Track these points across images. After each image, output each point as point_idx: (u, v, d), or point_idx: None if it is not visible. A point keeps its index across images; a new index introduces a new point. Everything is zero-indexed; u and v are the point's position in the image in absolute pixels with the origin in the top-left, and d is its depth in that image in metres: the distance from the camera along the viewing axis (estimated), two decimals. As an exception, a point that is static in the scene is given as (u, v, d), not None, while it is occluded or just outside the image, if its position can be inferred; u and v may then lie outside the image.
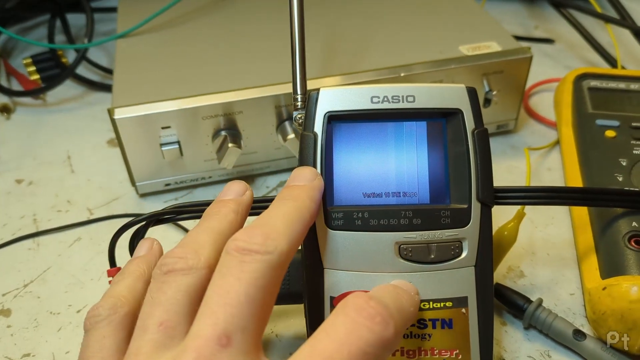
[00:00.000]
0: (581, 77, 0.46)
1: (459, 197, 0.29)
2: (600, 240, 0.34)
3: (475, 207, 0.29)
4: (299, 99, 0.34)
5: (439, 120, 0.30)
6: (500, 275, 0.37)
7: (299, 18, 0.35)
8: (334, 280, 0.29)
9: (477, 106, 0.30)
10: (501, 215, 0.37)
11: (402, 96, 0.30)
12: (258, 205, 0.31)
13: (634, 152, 0.38)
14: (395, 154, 0.30)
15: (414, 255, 0.29)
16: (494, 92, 0.45)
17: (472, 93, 0.30)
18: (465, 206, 0.29)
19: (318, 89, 0.30)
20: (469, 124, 0.30)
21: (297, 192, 0.27)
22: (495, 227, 0.36)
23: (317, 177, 0.28)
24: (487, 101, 0.46)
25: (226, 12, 0.52)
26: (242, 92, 0.41)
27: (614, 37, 0.54)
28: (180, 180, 0.43)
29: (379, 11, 0.51)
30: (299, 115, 0.34)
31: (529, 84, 0.55)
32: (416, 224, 0.29)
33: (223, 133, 0.41)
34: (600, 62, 0.56)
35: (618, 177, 0.37)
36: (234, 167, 0.44)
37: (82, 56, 0.53)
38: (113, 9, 0.66)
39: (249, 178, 0.45)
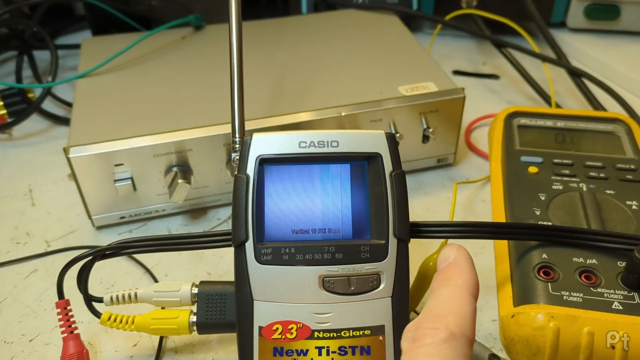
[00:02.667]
0: (512, 115, 0.49)
1: (378, 234, 0.32)
2: (515, 270, 0.37)
3: (392, 243, 0.32)
4: (237, 142, 0.37)
5: (362, 163, 0.33)
6: (429, 302, 0.40)
7: (238, 67, 0.38)
8: (263, 311, 0.31)
9: (395, 150, 0.33)
10: (430, 246, 0.40)
11: (327, 141, 0.33)
12: (199, 240, 0.34)
13: (553, 187, 0.42)
14: (321, 194, 0.33)
15: (335, 287, 0.31)
16: (431, 130, 0.48)
17: (391, 138, 0.33)
18: (383, 242, 0.32)
19: (251, 135, 0.33)
20: (387, 166, 0.33)
21: None
22: (423, 258, 0.39)
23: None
24: (426, 137, 0.49)
25: (183, 53, 0.55)
26: (192, 131, 0.43)
27: (549, 76, 0.58)
28: (134, 214, 0.46)
29: (327, 53, 0.54)
30: (236, 157, 0.36)
31: (472, 118, 0.59)
32: (338, 258, 0.32)
33: (174, 169, 0.44)
34: (539, 98, 0.60)
35: (536, 211, 0.40)
36: (186, 201, 0.46)
37: (46, 93, 0.55)
38: (79, 46, 0.68)
39: (201, 210, 0.48)
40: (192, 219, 0.47)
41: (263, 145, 0.33)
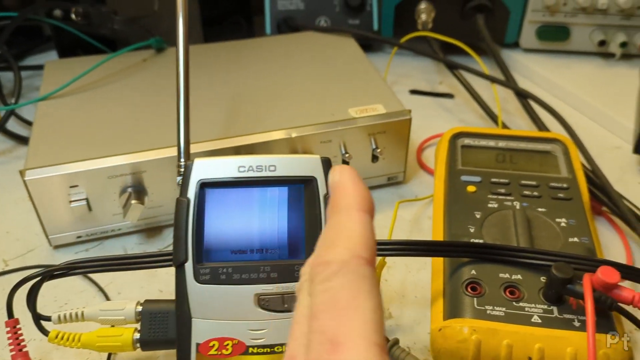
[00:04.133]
0: (457, 136, 0.51)
1: (311, 253, 0.34)
2: (447, 285, 0.39)
3: (325, 262, 0.34)
4: (182, 166, 0.39)
5: (299, 186, 0.35)
6: (371, 317, 0.42)
7: (184, 93, 0.40)
8: (200, 328, 0.33)
9: (330, 173, 0.35)
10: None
11: (265, 165, 0.35)
12: (143, 261, 0.35)
13: (489, 205, 0.44)
14: (259, 216, 0.35)
15: (270, 305, 0.33)
16: (379, 150, 0.50)
17: (326, 163, 0.35)
18: (316, 261, 0.34)
19: (193, 160, 0.35)
20: (322, 189, 0.35)
21: None
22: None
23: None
24: (375, 157, 0.52)
25: (143, 75, 0.57)
26: (146, 153, 0.45)
27: (497, 96, 0.60)
28: (90, 233, 0.47)
29: (283, 75, 0.57)
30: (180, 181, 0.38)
31: (426, 136, 0.61)
32: (273, 277, 0.33)
33: (129, 190, 0.45)
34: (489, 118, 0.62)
35: (470, 229, 0.42)
36: (142, 220, 0.48)
37: (9, 115, 0.57)
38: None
39: (156, 229, 0.49)
40: (148, 237, 0.49)
41: (204, 169, 0.34)
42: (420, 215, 0.51)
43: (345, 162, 0.50)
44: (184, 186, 0.34)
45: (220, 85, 0.55)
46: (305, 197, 0.35)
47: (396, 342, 0.38)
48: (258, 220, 0.35)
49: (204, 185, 0.34)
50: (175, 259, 0.34)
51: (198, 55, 0.61)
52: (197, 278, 0.33)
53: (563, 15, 0.71)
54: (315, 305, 0.21)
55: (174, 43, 0.62)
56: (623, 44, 0.70)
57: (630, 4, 0.67)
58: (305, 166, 0.35)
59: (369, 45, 0.79)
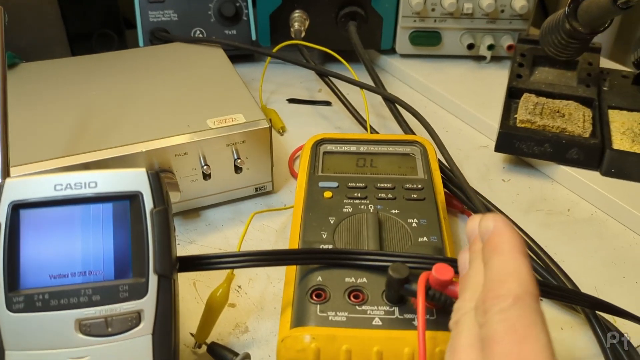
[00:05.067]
0: (319, 143, 0.51)
1: (139, 272, 0.32)
2: (295, 293, 0.38)
3: (153, 280, 0.32)
4: (-1, 187, 0.36)
5: (124, 202, 0.34)
6: (226, 332, 0.41)
7: (2, 111, 0.37)
8: (15, 361, 0.31)
9: (158, 187, 0.34)
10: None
11: (84, 182, 0.33)
12: None
13: (344, 210, 0.44)
14: (82, 236, 0.33)
15: (92, 330, 0.31)
16: (239, 160, 0.49)
17: (153, 176, 0.34)
18: (143, 280, 0.32)
19: (4, 181, 0.32)
20: (148, 204, 0.33)
21: None
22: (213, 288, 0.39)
23: None
24: (238, 168, 0.50)
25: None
26: (-20, 176, 0.42)
27: (366, 102, 0.61)
28: None
29: (144, 88, 0.54)
30: (-2, 204, 0.35)
31: (299, 144, 0.61)
32: (95, 300, 0.31)
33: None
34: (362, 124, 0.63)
35: (323, 235, 0.41)
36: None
37: None
38: None
39: (1, 257, 0.46)
40: (-9, 266, 0.45)
41: (17, 190, 0.32)
42: (287, 224, 0.51)
43: (205, 174, 0.49)
44: (-6, 209, 0.32)
45: (75, 99, 0.52)
46: (131, 213, 0.33)
47: (246, 356, 0.37)
48: (81, 240, 0.33)
49: (18, 207, 0.32)
50: (-16, 289, 0.31)
51: (58, 69, 0.58)
52: (10, 307, 0.31)
53: (433, 21, 0.73)
54: (495, 332, 0.24)
55: (30, 58, 0.60)
56: (490, 47, 0.73)
57: (493, 8, 0.70)
58: (129, 181, 0.33)
59: (250, 55, 0.78)
